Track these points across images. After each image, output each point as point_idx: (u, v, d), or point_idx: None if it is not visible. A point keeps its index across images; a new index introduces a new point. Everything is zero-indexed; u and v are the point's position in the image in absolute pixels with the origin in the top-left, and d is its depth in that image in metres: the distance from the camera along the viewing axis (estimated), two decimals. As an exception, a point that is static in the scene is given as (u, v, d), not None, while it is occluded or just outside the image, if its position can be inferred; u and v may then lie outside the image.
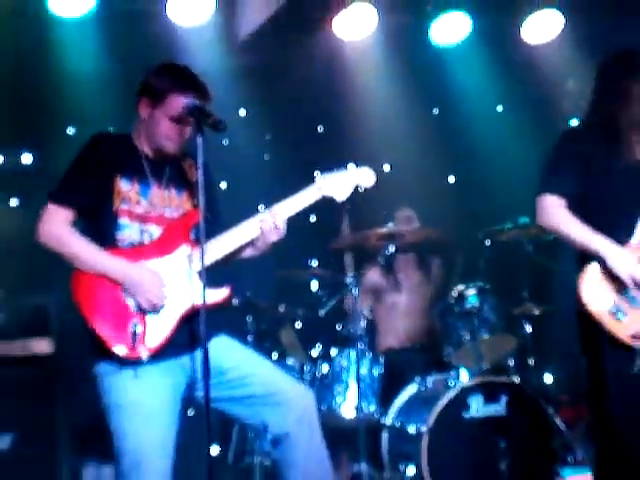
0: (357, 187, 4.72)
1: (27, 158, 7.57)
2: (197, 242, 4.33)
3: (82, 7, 6.70)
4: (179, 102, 4.27)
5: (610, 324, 4.72)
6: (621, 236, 4.76)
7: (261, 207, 4.55)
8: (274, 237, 4.44)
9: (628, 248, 4.74)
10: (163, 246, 4.34)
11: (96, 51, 6.96)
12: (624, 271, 4.70)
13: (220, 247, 4.40)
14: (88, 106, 7.05)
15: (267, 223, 4.40)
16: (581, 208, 4.82)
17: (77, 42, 6.93)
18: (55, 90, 7.09)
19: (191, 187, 4.43)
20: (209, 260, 4.26)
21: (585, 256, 4.80)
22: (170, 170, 4.43)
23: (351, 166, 4.72)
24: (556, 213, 4.82)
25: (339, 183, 4.63)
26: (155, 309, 4.19)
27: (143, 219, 4.32)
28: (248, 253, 4.60)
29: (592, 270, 4.78)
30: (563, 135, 5.05)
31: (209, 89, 4.40)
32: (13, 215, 7.45)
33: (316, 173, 4.63)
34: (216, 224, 4.46)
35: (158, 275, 4.22)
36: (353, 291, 6.73)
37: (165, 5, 6.90)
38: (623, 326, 4.73)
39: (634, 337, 4.71)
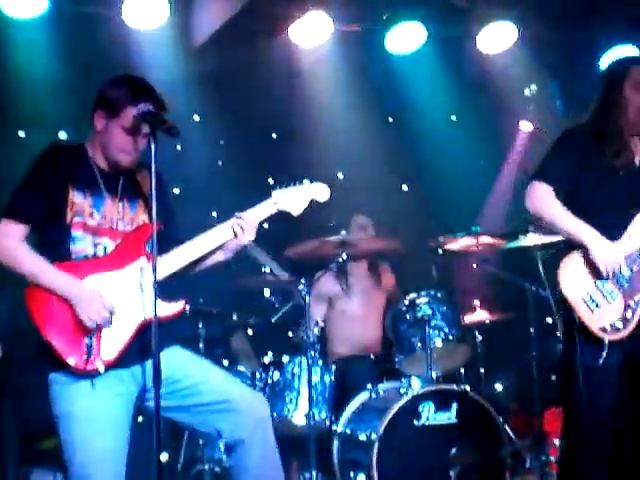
0: (311, 202, 4.75)
1: (-23, 159, 7.52)
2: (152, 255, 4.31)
3: (35, 8, 6.65)
4: (134, 115, 4.24)
5: (582, 312, 4.83)
6: (611, 234, 4.86)
7: (214, 213, 4.57)
8: (245, 240, 4.49)
9: (616, 243, 4.84)
10: (117, 259, 4.31)
11: (48, 53, 6.90)
12: (604, 262, 4.80)
13: (182, 256, 4.40)
14: (39, 109, 6.99)
15: (237, 227, 4.45)
16: (570, 203, 4.92)
17: (29, 44, 6.88)
18: (5, 92, 7.02)
19: (145, 200, 4.42)
20: (166, 272, 4.28)
21: (571, 245, 4.91)
22: (124, 183, 4.40)
23: (306, 182, 4.74)
24: (546, 199, 4.93)
25: (295, 198, 4.67)
26: (99, 326, 4.15)
27: (96, 232, 4.30)
28: (216, 258, 4.61)
29: (574, 257, 4.90)
30: (565, 131, 5.14)
31: (166, 101, 4.37)
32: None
33: (271, 184, 4.65)
34: (174, 235, 4.47)
35: (98, 293, 4.18)
36: (305, 298, 6.73)
37: (120, 8, 6.85)
38: (595, 317, 4.83)
39: (603, 330, 4.79)
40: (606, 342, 4.79)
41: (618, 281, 4.86)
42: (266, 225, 4.65)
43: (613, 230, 4.87)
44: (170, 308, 4.33)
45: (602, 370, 4.79)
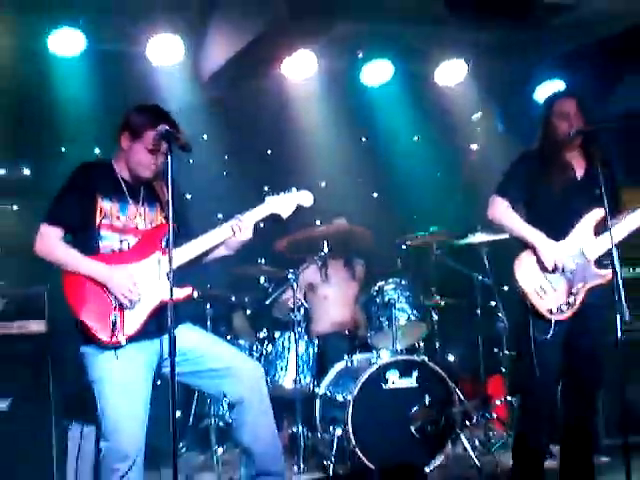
0: (298, 206, 4.79)
1: (26, 171, 7.50)
2: (167, 249, 4.32)
3: (75, 47, 6.71)
4: (154, 135, 4.29)
5: (534, 298, 4.97)
6: (559, 236, 4.99)
7: (219, 215, 4.59)
8: (243, 237, 4.51)
9: (560, 243, 4.96)
10: (139, 252, 4.37)
11: (85, 84, 6.91)
12: (549, 258, 4.93)
13: (191, 249, 4.44)
14: (78, 129, 7.00)
15: (236, 227, 4.49)
16: (525, 212, 5.14)
17: (71, 76, 6.91)
18: (51, 115, 7.03)
19: (162, 204, 4.46)
20: (178, 262, 4.30)
21: (522, 245, 5.05)
22: (144, 190, 4.45)
23: (294, 189, 4.79)
24: (502, 210, 5.13)
25: (284, 203, 4.71)
26: (130, 304, 4.21)
27: (122, 231, 4.36)
28: (220, 253, 4.66)
29: (525, 255, 5.04)
30: (520, 155, 5.29)
31: (178, 123, 4.41)
32: (14, 218, 7.36)
33: (266, 191, 4.72)
34: (186, 232, 4.50)
35: (132, 277, 4.25)
36: (293, 285, 6.75)
37: (145, 47, 6.90)
38: (543, 302, 4.96)
39: (549, 312, 4.94)
40: (553, 321, 4.91)
41: (563, 273, 4.95)
42: (262, 225, 4.67)
43: (560, 233, 5.00)
44: (180, 292, 4.35)
45: (549, 343, 4.91)
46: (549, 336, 4.90)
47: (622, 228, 4.99)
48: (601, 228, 5.00)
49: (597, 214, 5.00)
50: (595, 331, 4.98)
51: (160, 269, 4.34)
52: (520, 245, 5.10)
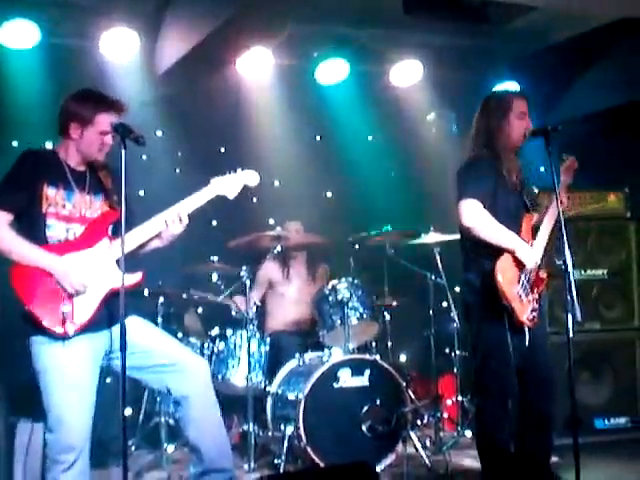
0: (245, 187, 4.75)
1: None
2: (114, 236, 4.38)
3: (28, 41, 6.64)
4: (106, 119, 4.30)
5: (515, 304, 4.86)
6: None
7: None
8: (178, 229, 4.47)
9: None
10: (86, 241, 4.34)
11: (38, 78, 6.83)
12: (530, 260, 4.88)
13: (132, 239, 4.40)
14: (29, 124, 6.93)
15: (171, 218, 4.43)
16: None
17: (22, 70, 6.83)
18: (2, 109, 6.95)
19: (107, 192, 4.45)
20: (125, 249, 4.23)
21: (494, 249, 4.90)
22: (90, 179, 4.42)
23: (239, 169, 4.75)
24: (478, 214, 4.88)
25: (230, 183, 4.68)
26: (78, 293, 4.16)
27: (68, 219, 4.33)
28: (154, 244, 4.61)
29: (505, 259, 4.89)
30: (472, 158, 5.10)
31: (123, 103, 4.44)
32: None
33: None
34: (131, 222, 4.43)
35: (78, 266, 4.21)
36: (246, 282, 6.72)
37: (98, 42, 6.83)
38: (524, 307, 4.90)
39: (529, 319, 4.91)
40: (525, 329, 4.91)
41: (528, 279, 4.95)
42: (215, 223, 4.64)
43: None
44: (132, 278, 4.34)
45: (514, 349, 4.86)
46: (527, 343, 4.89)
47: (544, 231, 5.03)
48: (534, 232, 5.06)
49: (531, 219, 5.09)
50: (542, 335, 4.99)
51: (108, 256, 4.31)
52: (479, 250, 4.99)
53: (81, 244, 4.33)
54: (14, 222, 4.28)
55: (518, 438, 5.09)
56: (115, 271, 4.26)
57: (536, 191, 5.61)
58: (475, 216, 4.87)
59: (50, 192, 4.30)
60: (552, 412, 5.07)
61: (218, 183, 4.66)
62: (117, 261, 4.29)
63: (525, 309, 4.92)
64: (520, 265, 4.92)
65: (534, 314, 4.95)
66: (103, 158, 4.43)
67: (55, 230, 4.30)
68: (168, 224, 4.44)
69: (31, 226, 4.28)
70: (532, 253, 4.93)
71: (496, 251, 4.91)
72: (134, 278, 4.37)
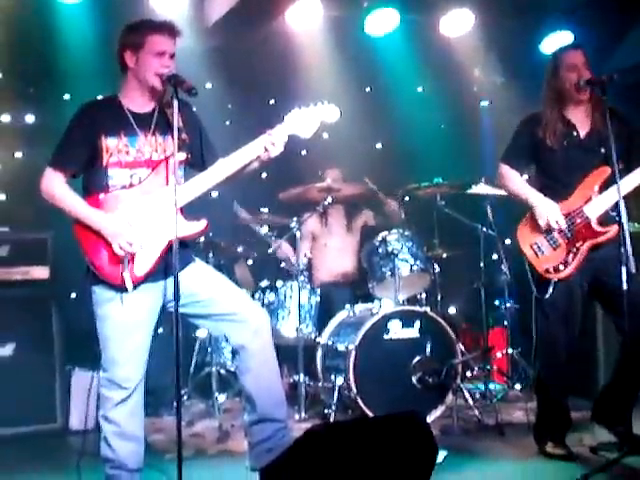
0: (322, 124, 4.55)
1: (30, 118, 7.50)
2: (182, 180, 4.36)
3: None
4: (157, 39, 4.26)
5: (531, 257, 5.07)
6: (563, 198, 5.03)
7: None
8: (276, 152, 4.41)
9: (562, 204, 5.01)
10: (149, 186, 4.30)
11: (88, 31, 6.87)
12: (543, 217, 5.00)
13: (223, 169, 4.37)
14: (81, 77, 6.98)
15: (268, 143, 4.37)
16: (537, 171, 5.26)
17: (72, 23, 6.86)
18: (54, 63, 7.03)
19: (178, 131, 4.26)
20: (207, 185, 4.33)
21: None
22: (157, 120, 4.35)
23: (318, 103, 4.55)
24: (507, 176, 5.27)
25: (306, 119, 4.50)
26: (129, 252, 4.17)
27: (132, 165, 4.29)
28: (254, 166, 4.54)
29: (527, 216, 5.12)
30: (521, 121, 5.33)
31: (175, 24, 4.39)
32: (18, 165, 7.38)
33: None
34: (210, 156, 4.47)
35: (126, 225, 4.19)
36: (297, 234, 6.75)
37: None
38: (540, 261, 5.03)
39: (547, 271, 4.99)
40: (552, 280, 4.97)
41: (563, 232, 4.98)
42: (264, 175, 4.59)
43: (564, 194, 5.04)
44: (196, 226, 4.33)
45: (551, 303, 4.99)
46: (548, 295, 4.96)
47: (628, 182, 4.96)
48: (608, 185, 4.99)
49: (603, 172, 5.01)
50: (614, 277, 4.75)
51: (175, 202, 4.12)
52: (524, 206, 5.17)
53: (143, 190, 4.28)
54: (79, 174, 4.32)
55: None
56: (179, 219, 4.14)
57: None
58: (503, 177, 5.30)
59: (110, 142, 4.26)
60: None
61: (293, 119, 4.47)
62: (183, 209, 4.27)
63: (545, 261, 5.01)
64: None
65: (562, 267, 4.97)
66: (162, 85, 4.29)
67: (117, 178, 4.26)
68: (267, 148, 4.36)
69: (93, 177, 4.29)
70: (546, 210, 4.99)
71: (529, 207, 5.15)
72: (199, 226, 4.34)
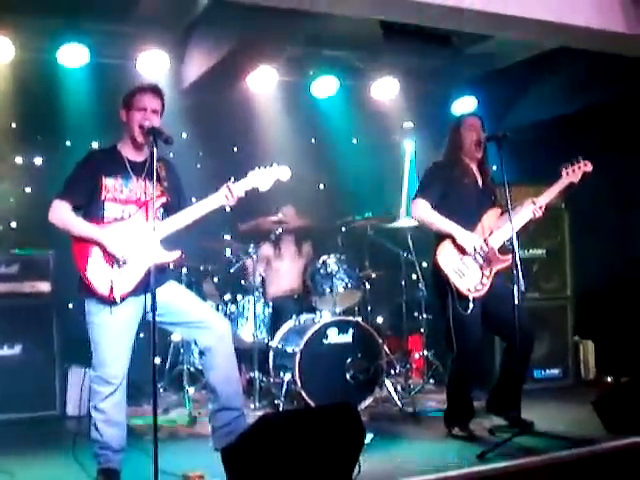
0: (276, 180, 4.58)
1: (38, 160, 7.46)
2: (162, 218, 4.42)
3: (80, 61, 6.74)
4: (143, 97, 4.32)
5: (454, 279, 5.00)
6: (467, 227, 5.07)
7: (194, 199, 4.55)
8: (232, 204, 4.45)
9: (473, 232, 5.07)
10: (137, 221, 4.34)
11: (88, 90, 6.91)
12: (468, 244, 4.99)
13: (188, 215, 4.40)
14: (81, 127, 6.96)
15: (228, 194, 4.40)
16: (442, 208, 5.11)
17: (74, 84, 6.90)
18: (58, 115, 6.99)
19: (160, 181, 4.37)
20: (175, 227, 4.36)
21: (439, 237, 5.09)
22: (147, 168, 4.35)
23: (275, 164, 4.58)
24: (424, 210, 5.10)
25: (265, 177, 4.53)
26: (122, 260, 4.21)
27: (124, 202, 4.33)
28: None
29: (445, 244, 5.05)
30: (432, 164, 5.32)
31: (159, 86, 4.45)
32: (27, 199, 7.32)
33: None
34: (182, 204, 4.49)
35: (124, 237, 4.23)
36: (253, 257, 6.76)
37: (135, 62, 6.90)
38: (463, 282, 5.00)
39: (468, 290, 5.01)
40: (470, 298, 4.99)
41: (475, 258, 5.03)
42: (228, 208, 4.56)
43: (467, 225, 5.08)
44: (170, 255, 4.37)
45: (469, 316, 5.00)
46: (469, 311, 4.98)
47: (517, 221, 5.11)
48: (499, 223, 5.14)
49: (496, 211, 5.16)
50: (508, 299, 4.92)
51: (155, 235, 4.22)
52: (437, 236, 5.15)
53: (132, 223, 4.32)
54: (80, 208, 4.33)
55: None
56: (158, 248, 4.24)
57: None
58: (420, 212, 5.13)
59: (109, 182, 4.30)
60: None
61: (254, 176, 4.51)
62: (161, 240, 4.31)
63: (466, 282, 5.02)
64: (461, 247, 5.03)
65: (480, 286, 5.04)
66: (144, 140, 4.33)
67: (111, 211, 4.30)
68: (228, 199, 4.39)
69: (91, 210, 4.31)
70: (470, 238, 5.04)
71: (442, 237, 5.09)
72: (175, 255, 4.37)
